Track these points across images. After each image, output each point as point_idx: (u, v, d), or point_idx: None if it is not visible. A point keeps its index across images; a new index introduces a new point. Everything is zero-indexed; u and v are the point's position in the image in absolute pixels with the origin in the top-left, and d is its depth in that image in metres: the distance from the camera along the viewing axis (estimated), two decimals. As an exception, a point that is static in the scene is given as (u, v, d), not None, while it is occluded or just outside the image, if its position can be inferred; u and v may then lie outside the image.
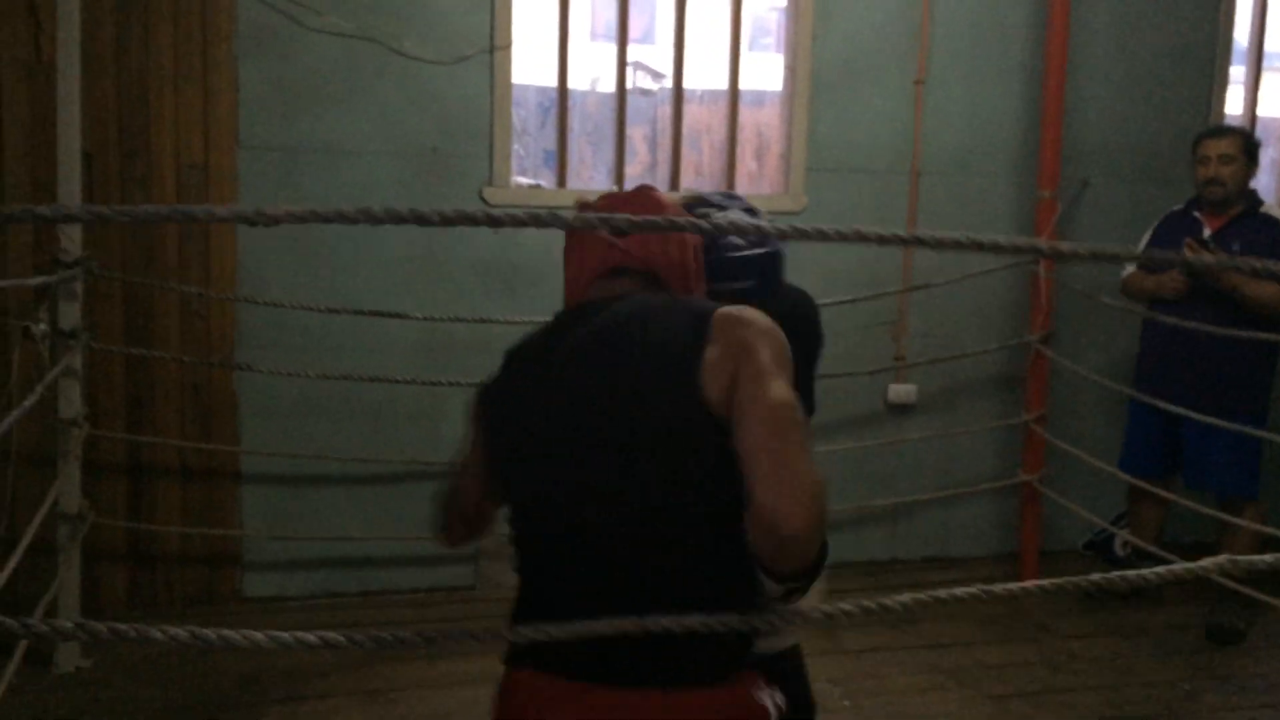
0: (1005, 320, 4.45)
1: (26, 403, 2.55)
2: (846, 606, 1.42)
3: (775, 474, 1.34)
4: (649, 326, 1.52)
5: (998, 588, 1.41)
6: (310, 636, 1.07)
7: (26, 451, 3.41)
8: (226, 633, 1.01)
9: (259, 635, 1.02)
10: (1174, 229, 3.95)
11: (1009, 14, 4.32)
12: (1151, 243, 4.04)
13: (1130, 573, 1.50)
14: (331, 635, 1.08)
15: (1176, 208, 4.05)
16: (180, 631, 1.02)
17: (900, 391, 4.40)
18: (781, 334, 1.51)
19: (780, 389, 1.42)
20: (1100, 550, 4.63)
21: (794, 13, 4.18)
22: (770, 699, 1.56)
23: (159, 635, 1.04)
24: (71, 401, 3.25)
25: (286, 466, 3.84)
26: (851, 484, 4.40)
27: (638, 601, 1.39)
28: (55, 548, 3.30)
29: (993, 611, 3.99)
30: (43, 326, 3.04)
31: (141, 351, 3.60)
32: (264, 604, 3.89)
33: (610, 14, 4.14)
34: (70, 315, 3.18)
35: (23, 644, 3.08)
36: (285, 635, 1.07)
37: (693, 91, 4.29)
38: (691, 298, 1.65)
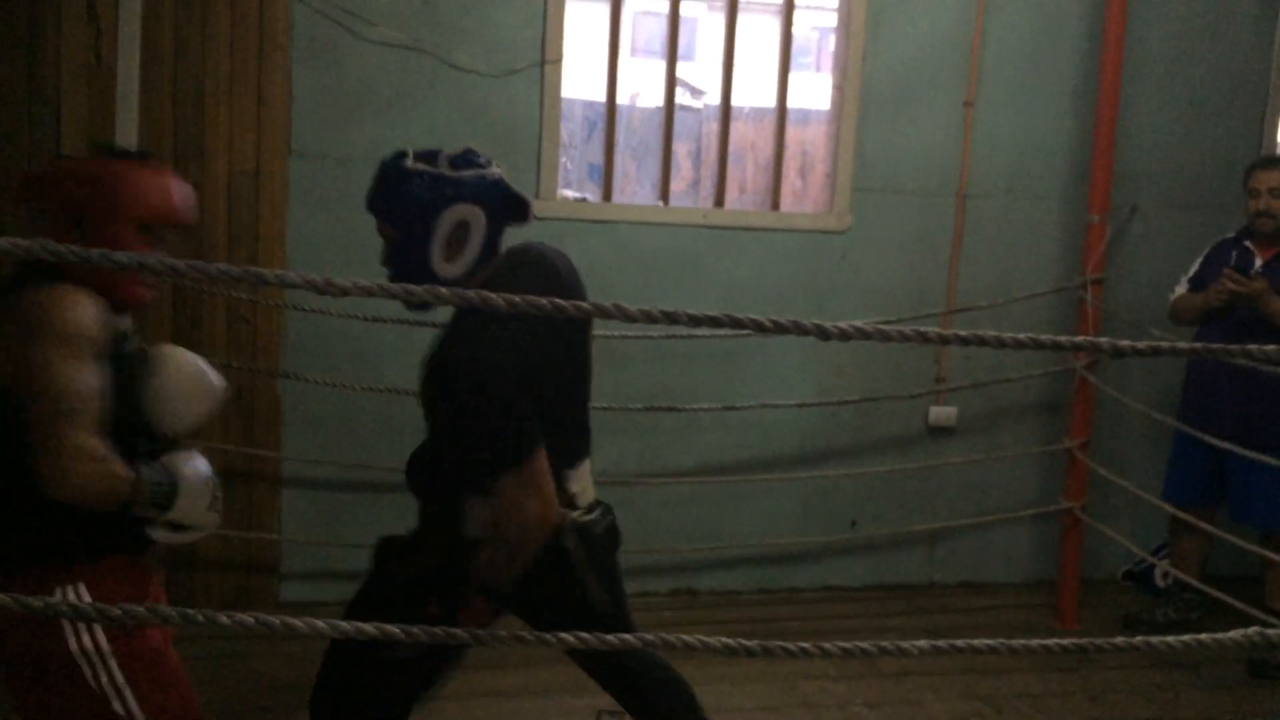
0: (1049, 345, 4.40)
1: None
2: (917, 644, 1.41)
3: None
4: None
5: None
6: (298, 622, 1.22)
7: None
8: (241, 617, 1.20)
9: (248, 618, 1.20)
10: (1225, 257, 3.91)
11: (1061, 37, 4.29)
12: (1202, 269, 4.00)
13: (1173, 639, 1.56)
14: (318, 622, 1.23)
15: (1229, 235, 4.02)
16: (247, 618, 1.21)
17: (941, 414, 4.37)
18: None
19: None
20: (1140, 581, 4.58)
21: (844, 32, 4.17)
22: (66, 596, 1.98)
23: (226, 620, 1.22)
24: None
25: (328, 474, 3.85)
26: (889, 506, 4.37)
27: None
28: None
29: (1033, 637, 3.94)
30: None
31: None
32: (301, 610, 3.87)
33: (650, 30, 4.16)
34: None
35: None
36: (273, 620, 1.22)
37: (738, 109, 4.28)
38: None
